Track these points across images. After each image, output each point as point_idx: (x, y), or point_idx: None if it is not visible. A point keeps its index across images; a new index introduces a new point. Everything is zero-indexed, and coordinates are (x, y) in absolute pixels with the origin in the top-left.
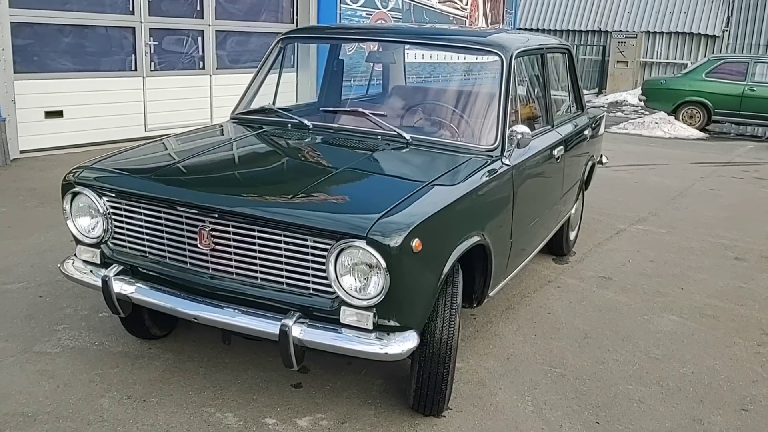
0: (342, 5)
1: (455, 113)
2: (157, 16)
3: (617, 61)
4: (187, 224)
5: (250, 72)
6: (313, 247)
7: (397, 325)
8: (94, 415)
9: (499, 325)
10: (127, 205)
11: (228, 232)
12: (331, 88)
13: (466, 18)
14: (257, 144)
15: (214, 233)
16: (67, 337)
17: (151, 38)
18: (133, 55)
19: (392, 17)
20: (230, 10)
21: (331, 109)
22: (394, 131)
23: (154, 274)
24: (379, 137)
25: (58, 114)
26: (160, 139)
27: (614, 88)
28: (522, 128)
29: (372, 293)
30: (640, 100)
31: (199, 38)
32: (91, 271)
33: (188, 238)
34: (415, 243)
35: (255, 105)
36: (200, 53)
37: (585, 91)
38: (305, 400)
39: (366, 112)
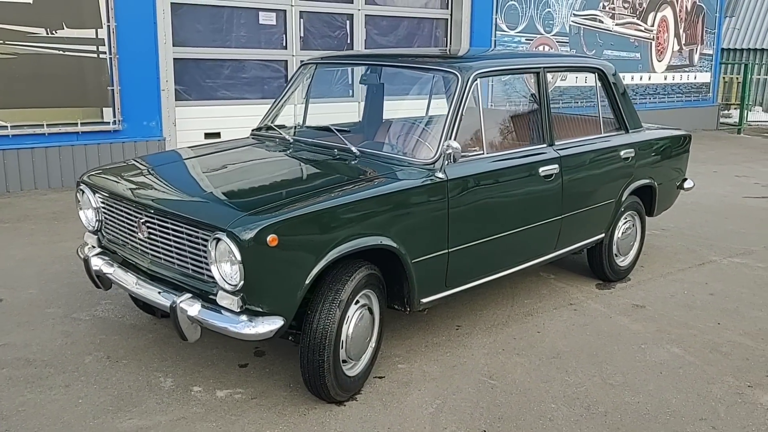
0: (497, 32)
1: (413, 128)
2: (309, 50)
3: None
4: (134, 217)
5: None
6: (202, 239)
7: (264, 311)
8: (72, 366)
9: (476, 336)
10: (109, 201)
11: (155, 225)
12: (372, 109)
13: (652, 40)
14: (235, 155)
15: (148, 225)
16: (102, 310)
17: None
18: (285, 85)
19: (557, 42)
20: (381, 42)
21: (313, 126)
22: (345, 145)
23: (124, 257)
24: (336, 150)
25: (216, 135)
26: (175, 150)
27: None
28: (454, 144)
29: (236, 280)
30: None
31: (349, 70)
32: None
33: (134, 229)
34: (270, 238)
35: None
36: (350, 82)
37: None
38: (239, 377)
39: (331, 128)
